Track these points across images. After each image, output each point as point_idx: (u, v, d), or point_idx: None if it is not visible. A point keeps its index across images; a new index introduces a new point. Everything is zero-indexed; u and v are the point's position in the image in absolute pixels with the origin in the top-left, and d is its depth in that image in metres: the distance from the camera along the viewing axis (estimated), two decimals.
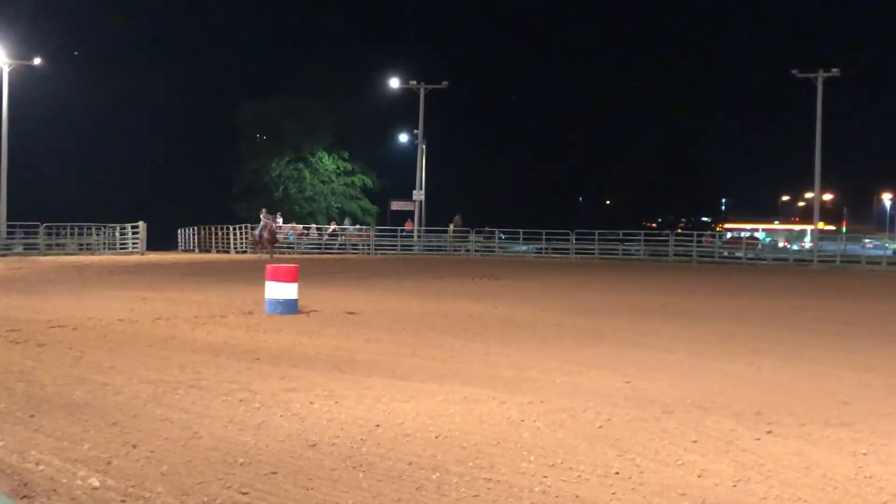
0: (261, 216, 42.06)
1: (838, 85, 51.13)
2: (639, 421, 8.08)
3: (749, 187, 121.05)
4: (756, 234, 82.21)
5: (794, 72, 49.40)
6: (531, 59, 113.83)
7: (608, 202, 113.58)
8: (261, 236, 41.12)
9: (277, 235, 43.27)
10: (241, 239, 49.10)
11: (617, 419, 8.13)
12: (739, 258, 48.47)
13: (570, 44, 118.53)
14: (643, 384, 9.98)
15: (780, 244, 71.59)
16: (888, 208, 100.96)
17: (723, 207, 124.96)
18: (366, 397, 8.88)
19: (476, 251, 48.58)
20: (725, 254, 50.02)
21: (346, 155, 66.45)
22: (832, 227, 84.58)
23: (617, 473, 6.48)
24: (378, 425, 7.76)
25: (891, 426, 8.13)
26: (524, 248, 52.19)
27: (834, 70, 48.62)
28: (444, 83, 54.69)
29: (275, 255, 40.51)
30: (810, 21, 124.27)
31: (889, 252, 54.63)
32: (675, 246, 47.38)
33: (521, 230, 50.53)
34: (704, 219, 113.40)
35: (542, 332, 14.78)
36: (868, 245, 62.36)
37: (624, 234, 50.22)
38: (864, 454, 7.13)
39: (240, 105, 66.32)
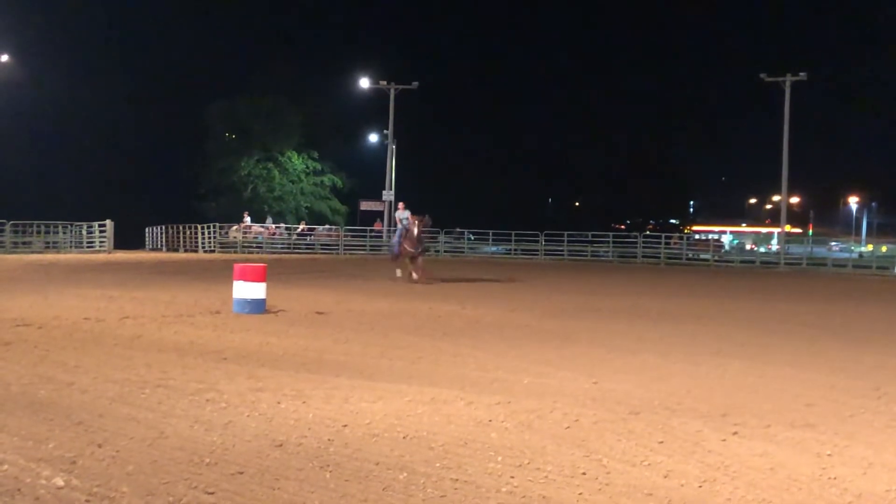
0: (397, 215, 28.74)
1: (806, 88, 51.63)
2: (606, 422, 8.11)
3: (717, 190, 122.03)
4: (722, 238, 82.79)
5: (762, 75, 49.87)
6: (501, 61, 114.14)
7: (577, 204, 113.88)
8: (400, 244, 26.42)
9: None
10: (209, 238, 48.86)
11: (584, 420, 8.16)
12: (707, 260, 48.78)
13: (540, 46, 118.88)
14: (610, 385, 10.02)
15: (748, 247, 72.11)
16: (854, 211, 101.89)
17: (691, 210, 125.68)
18: (333, 397, 8.86)
19: (445, 252, 48.63)
20: (691, 255, 50.35)
21: (315, 155, 66.25)
22: (799, 230, 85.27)
23: (584, 474, 6.50)
24: (346, 425, 7.75)
25: (854, 428, 8.21)
26: (493, 248, 52.34)
27: (801, 74, 49.12)
28: (415, 84, 54.82)
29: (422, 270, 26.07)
30: (779, 25, 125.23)
31: (855, 255, 55.13)
32: (644, 248, 47.65)
33: (490, 231, 50.67)
34: (673, 221, 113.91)
35: (509, 332, 14.80)
36: (834, 248, 63.05)
37: (593, 236, 50.45)
38: (829, 455, 7.19)
39: (208, 104, 65.97)
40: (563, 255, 47.72)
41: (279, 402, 8.58)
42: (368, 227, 53.08)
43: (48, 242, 43.69)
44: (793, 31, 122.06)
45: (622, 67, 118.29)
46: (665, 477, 6.49)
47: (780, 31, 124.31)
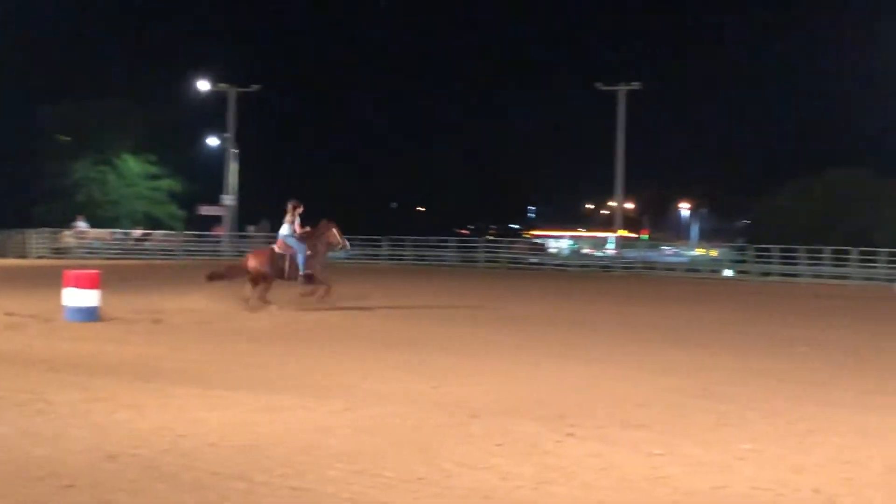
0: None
1: (640, 97, 53.06)
2: (446, 426, 8.18)
3: (555, 196, 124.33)
4: (560, 242, 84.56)
5: (598, 84, 51.17)
6: (345, 67, 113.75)
7: (422, 209, 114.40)
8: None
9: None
10: (41, 244, 47.16)
11: (425, 424, 8.21)
12: (546, 264, 49.64)
13: (384, 50, 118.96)
14: (451, 389, 10.11)
15: (586, 251, 73.79)
16: (685, 217, 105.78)
17: (531, 215, 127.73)
18: (170, 406, 8.68)
19: None
20: (534, 259, 51.13)
21: (152, 158, 64.61)
22: (635, 235, 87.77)
23: (422, 479, 6.53)
24: (182, 435, 7.60)
25: (684, 427, 8.49)
26: (334, 253, 51.99)
27: (634, 84, 50.60)
28: (256, 87, 54.16)
29: None
30: (614, 34, 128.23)
31: (686, 259, 57.15)
32: (486, 252, 48.19)
33: None
34: (513, 226, 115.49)
35: (353, 337, 14.77)
36: (667, 252, 65.18)
37: (436, 241, 50.77)
38: (660, 455, 7.40)
39: (40, 105, 63.65)
40: (406, 259, 47.84)
41: (113, 413, 8.36)
42: (207, 233, 52.21)
43: None
44: (629, 41, 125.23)
45: (462, 73, 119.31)
46: (503, 479, 6.57)
47: (616, 40, 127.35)
